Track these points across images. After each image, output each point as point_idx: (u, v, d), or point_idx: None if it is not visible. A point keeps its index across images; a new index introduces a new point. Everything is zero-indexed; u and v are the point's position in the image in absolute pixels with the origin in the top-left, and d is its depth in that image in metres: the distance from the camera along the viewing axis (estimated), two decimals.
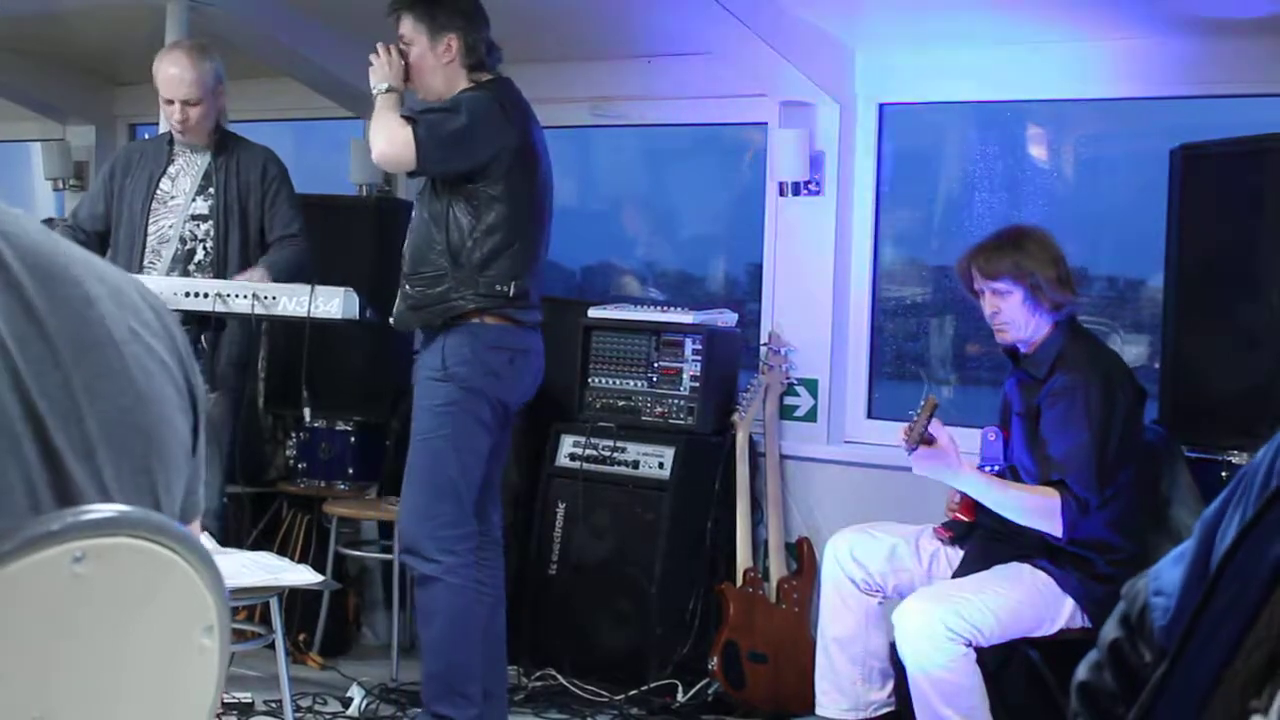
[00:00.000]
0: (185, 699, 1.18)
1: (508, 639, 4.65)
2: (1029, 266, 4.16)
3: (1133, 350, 5.58)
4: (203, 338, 4.89)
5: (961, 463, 4.13)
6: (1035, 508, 4.08)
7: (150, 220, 5.08)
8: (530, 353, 4.44)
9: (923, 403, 4.20)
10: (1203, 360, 4.48)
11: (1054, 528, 4.05)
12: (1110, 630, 1.44)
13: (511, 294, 4.32)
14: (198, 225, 5.06)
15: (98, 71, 7.25)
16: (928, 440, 4.12)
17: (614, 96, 5.92)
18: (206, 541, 4.20)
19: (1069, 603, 4.10)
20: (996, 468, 4.27)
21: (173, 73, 4.97)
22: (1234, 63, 4.91)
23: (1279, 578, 1.05)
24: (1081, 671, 1.46)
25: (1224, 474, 4.25)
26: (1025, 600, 4.08)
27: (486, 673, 4.46)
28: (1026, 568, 4.14)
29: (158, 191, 5.10)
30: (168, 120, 5.06)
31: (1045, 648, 4.22)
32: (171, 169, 5.12)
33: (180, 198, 5.09)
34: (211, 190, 5.08)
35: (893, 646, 4.24)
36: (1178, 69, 5.05)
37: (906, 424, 4.17)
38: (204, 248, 5.04)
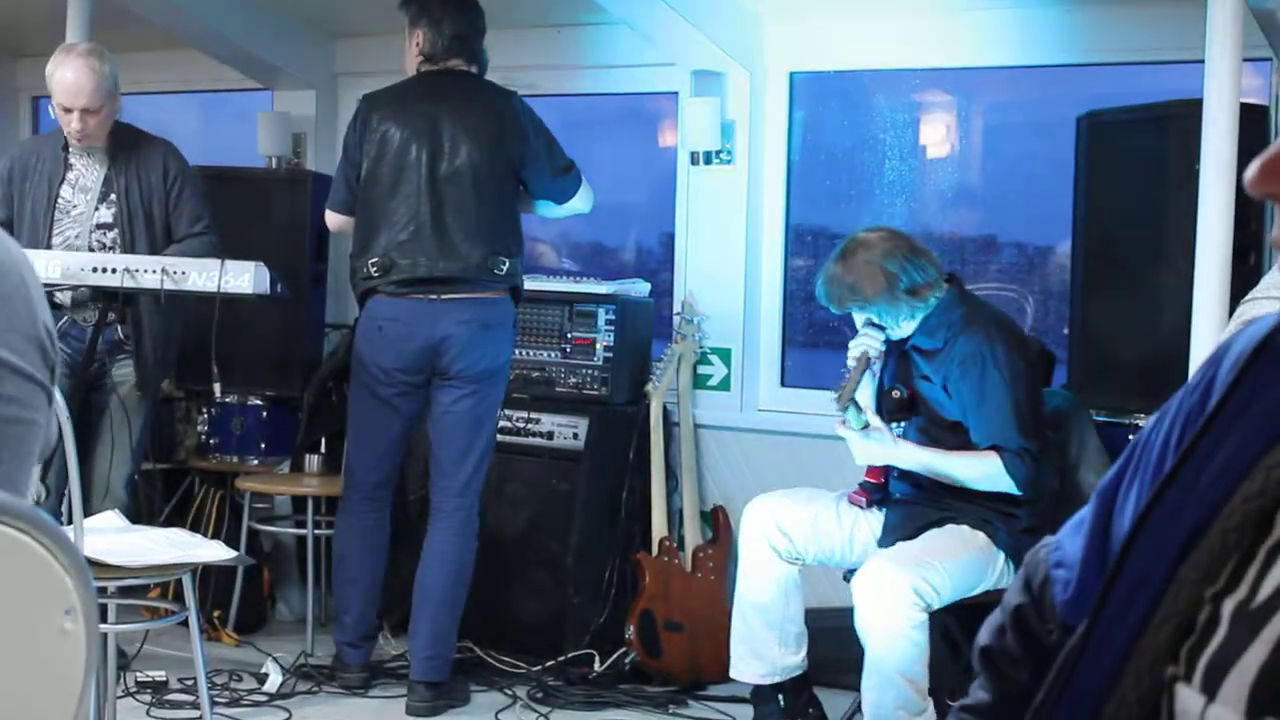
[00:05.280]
0: (50, 681, 1.16)
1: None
2: (868, 294, 4.19)
3: (1041, 316, 5.63)
4: (120, 330, 4.85)
5: (897, 440, 4.16)
6: (983, 474, 4.09)
7: (55, 231, 4.92)
8: (399, 321, 4.82)
9: (854, 362, 4.22)
10: (1110, 325, 4.53)
11: (1010, 487, 4.06)
12: (1014, 596, 1.45)
13: (376, 274, 4.80)
14: (104, 234, 4.93)
15: None
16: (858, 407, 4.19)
17: (524, 66, 5.89)
18: (117, 520, 4.15)
19: (1001, 558, 4.11)
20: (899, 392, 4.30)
21: (70, 79, 4.73)
22: (1139, 30, 4.96)
23: (1182, 557, 1.06)
24: (984, 636, 1.47)
25: (1131, 437, 4.29)
26: (971, 560, 4.05)
27: (366, 607, 5.02)
28: (965, 528, 4.13)
29: (59, 200, 4.93)
30: (65, 128, 4.86)
31: (959, 611, 4.24)
32: (70, 175, 4.95)
33: (83, 207, 4.94)
34: (114, 197, 4.94)
35: (809, 610, 4.25)
36: (1084, 37, 5.10)
37: (837, 387, 4.22)
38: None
